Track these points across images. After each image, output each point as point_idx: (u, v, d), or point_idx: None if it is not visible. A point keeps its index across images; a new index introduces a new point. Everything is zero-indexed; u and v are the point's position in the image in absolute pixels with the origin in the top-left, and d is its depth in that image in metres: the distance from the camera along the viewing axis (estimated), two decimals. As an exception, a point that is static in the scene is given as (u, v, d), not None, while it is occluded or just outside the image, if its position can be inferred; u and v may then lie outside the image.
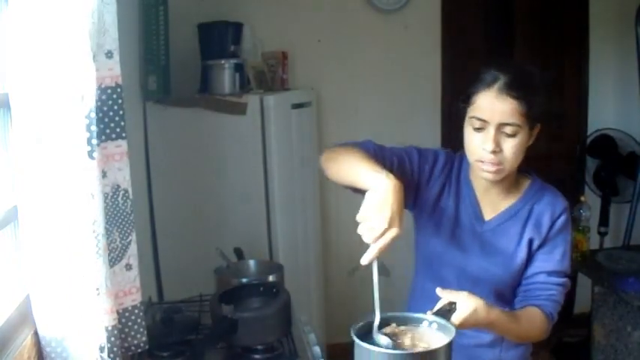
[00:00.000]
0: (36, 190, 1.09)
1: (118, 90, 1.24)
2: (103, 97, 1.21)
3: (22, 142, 1.08)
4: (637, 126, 3.40)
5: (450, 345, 1.07)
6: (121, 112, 1.26)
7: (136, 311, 1.35)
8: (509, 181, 1.39)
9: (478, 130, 1.27)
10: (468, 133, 1.30)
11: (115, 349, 1.19)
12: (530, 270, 1.38)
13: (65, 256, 1.12)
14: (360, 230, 1.17)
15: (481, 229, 1.39)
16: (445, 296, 1.20)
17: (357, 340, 1.17)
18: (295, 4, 3.17)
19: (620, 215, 3.42)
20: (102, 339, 1.16)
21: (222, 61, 2.45)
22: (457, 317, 1.16)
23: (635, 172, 3.09)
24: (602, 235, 3.28)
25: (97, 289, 1.14)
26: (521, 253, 1.36)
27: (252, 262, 2.03)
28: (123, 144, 1.28)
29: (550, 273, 1.39)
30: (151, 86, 2.37)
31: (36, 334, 1.14)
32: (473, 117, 1.28)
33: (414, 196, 1.41)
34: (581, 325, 3.37)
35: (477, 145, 1.28)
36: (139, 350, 1.37)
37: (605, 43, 3.52)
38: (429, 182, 1.41)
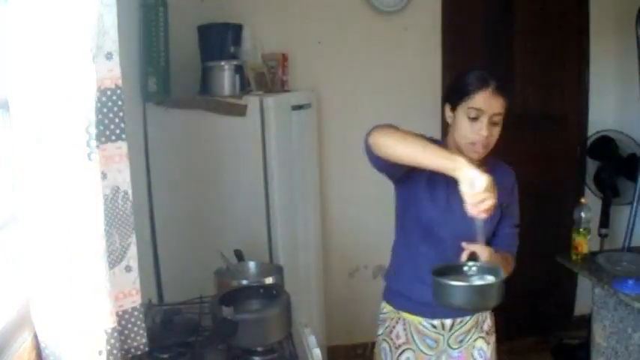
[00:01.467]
0: (35, 192, 1.09)
1: (118, 91, 1.24)
2: (103, 98, 1.21)
3: (22, 143, 1.07)
4: (637, 127, 3.40)
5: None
6: (120, 114, 1.25)
7: (136, 313, 1.34)
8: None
9: (473, 119, 1.62)
10: (462, 121, 1.64)
11: (114, 351, 1.19)
12: (502, 225, 1.77)
13: (65, 257, 1.11)
14: (480, 207, 1.38)
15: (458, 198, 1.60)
16: (469, 247, 1.55)
17: (442, 281, 1.43)
18: (295, 6, 3.18)
19: (620, 217, 3.42)
20: (102, 341, 1.16)
21: (222, 63, 2.45)
22: (487, 258, 1.53)
23: (636, 173, 3.09)
24: (602, 236, 3.28)
25: (97, 291, 1.14)
26: (497, 213, 1.69)
27: (252, 264, 2.03)
28: (123, 145, 1.27)
29: (512, 226, 1.81)
30: (150, 88, 2.37)
31: (35, 336, 1.13)
32: (471, 108, 1.61)
33: (410, 170, 1.62)
34: (582, 327, 3.37)
35: (471, 130, 1.62)
36: (139, 352, 1.37)
37: (606, 44, 3.52)
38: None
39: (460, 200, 1.41)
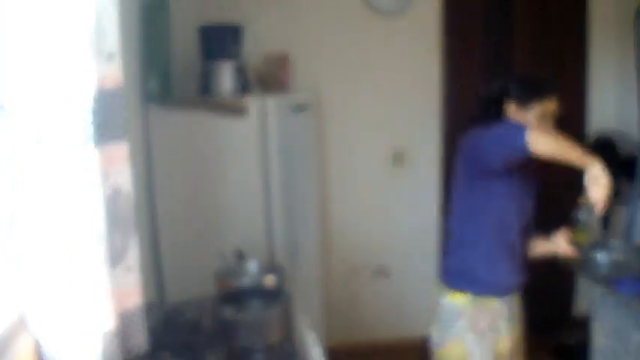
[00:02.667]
0: (35, 192, 1.10)
1: (119, 92, 1.25)
2: (104, 99, 1.22)
3: (21, 143, 1.08)
4: (637, 127, 3.40)
5: None
6: (122, 115, 1.26)
7: (137, 313, 1.35)
8: None
9: (543, 118, 1.87)
10: (533, 119, 1.87)
11: (115, 351, 1.20)
12: None
13: (66, 257, 1.12)
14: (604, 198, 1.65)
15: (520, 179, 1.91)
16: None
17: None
18: (296, 7, 3.18)
19: (620, 217, 3.42)
20: (102, 341, 1.16)
21: (223, 63, 2.45)
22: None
23: (636, 173, 3.09)
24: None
25: (97, 291, 1.14)
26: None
27: (252, 264, 2.03)
28: (124, 146, 1.28)
29: None
30: (152, 88, 2.37)
31: (35, 337, 1.14)
32: (544, 108, 1.88)
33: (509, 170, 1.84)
34: (581, 327, 3.37)
35: (539, 127, 1.78)
36: (140, 352, 1.37)
37: (605, 44, 3.53)
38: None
39: (523, 194, 1.87)
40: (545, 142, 1.72)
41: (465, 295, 1.92)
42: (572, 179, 3.62)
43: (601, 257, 2.51)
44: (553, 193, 3.63)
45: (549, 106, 1.89)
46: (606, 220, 3.28)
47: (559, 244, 2.01)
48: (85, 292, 1.14)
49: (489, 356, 1.93)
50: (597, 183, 1.64)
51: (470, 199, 1.93)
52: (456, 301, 1.93)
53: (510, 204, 1.91)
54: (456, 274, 1.97)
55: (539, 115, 1.87)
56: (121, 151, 1.28)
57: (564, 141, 1.73)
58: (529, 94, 1.89)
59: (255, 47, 2.91)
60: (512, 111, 1.90)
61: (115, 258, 1.29)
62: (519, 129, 1.70)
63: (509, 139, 1.70)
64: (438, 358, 1.99)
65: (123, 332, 1.32)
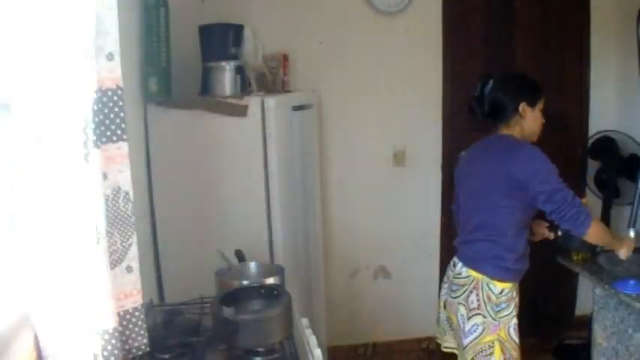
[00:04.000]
0: (36, 192, 1.09)
1: (119, 92, 1.24)
2: (104, 99, 1.21)
3: (22, 143, 1.08)
4: (638, 128, 3.40)
5: None
6: (121, 114, 1.26)
7: (137, 313, 1.35)
8: None
9: (542, 115, 2.18)
10: (538, 114, 2.19)
11: (115, 351, 1.19)
12: None
13: (66, 258, 1.12)
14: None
15: None
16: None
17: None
18: (296, 6, 3.18)
19: (621, 217, 3.42)
20: (102, 342, 1.16)
21: (223, 63, 2.44)
22: None
23: (636, 174, 3.08)
24: (603, 237, 3.28)
25: (98, 291, 1.14)
26: None
27: (253, 264, 2.03)
28: (124, 146, 1.28)
29: None
30: (151, 88, 2.36)
31: (36, 336, 1.13)
32: (542, 105, 2.18)
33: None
34: (583, 328, 3.37)
35: (542, 121, 2.20)
36: (140, 353, 1.37)
37: (606, 44, 3.52)
38: None
39: None
40: (597, 239, 2.10)
41: (510, 283, 2.12)
42: (564, 179, 3.63)
43: (602, 259, 2.51)
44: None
45: (543, 101, 2.19)
46: (608, 220, 3.28)
47: (537, 231, 2.30)
48: (84, 292, 1.13)
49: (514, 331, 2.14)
50: (620, 254, 2.17)
51: (503, 202, 2.10)
52: (505, 289, 2.10)
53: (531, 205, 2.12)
54: (501, 268, 2.12)
55: (541, 110, 2.17)
56: (120, 151, 1.27)
57: (610, 236, 2.13)
58: (537, 92, 2.18)
59: (255, 47, 2.90)
60: (524, 110, 2.15)
61: (115, 258, 1.29)
62: (586, 216, 2.00)
63: (570, 217, 1.99)
64: (481, 343, 2.11)
65: (123, 332, 1.31)
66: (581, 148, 3.54)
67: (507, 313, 2.10)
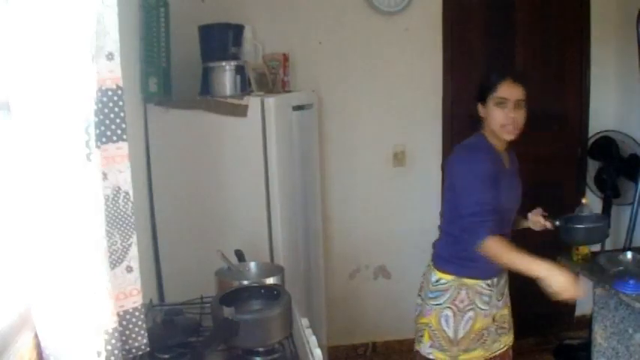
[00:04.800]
0: (36, 192, 1.09)
1: (119, 92, 1.24)
2: (104, 99, 1.21)
3: (23, 143, 1.08)
4: (638, 128, 3.40)
5: None
6: (121, 114, 1.26)
7: (137, 313, 1.35)
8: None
9: (501, 106, 2.03)
10: (493, 110, 2.05)
11: (115, 351, 1.19)
12: None
13: (66, 257, 1.12)
14: (566, 295, 1.82)
15: (511, 175, 2.16)
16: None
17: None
18: (296, 6, 3.18)
19: (621, 217, 3.42)
20: (102, 342, 1.16)
21: (223, 63, 2.44)
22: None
23: (636, 174, 3.08)
24: (603, 237, 3.28)
25: (98, 291, 1.14)
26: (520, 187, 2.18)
27: (252, 264, 2.03)
28: (124, 146, 1.28)
29: None
30: (151, 88, 2.37)
31: (36, 336, 1.13)
32: (498, 97, 2.03)
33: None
34: (583, 328, 3.37)
35: (502, 115, 2.03)
36: (140, 352, 1.37)
37: (606, 44, 3.52)
38: (494, 173, 2.04)
39: (504, 181, 2.07)
40: (494, 255, 1.94)
41: (450, 275, 2.14)
42: (564, 179, 3.64)
43: (602, 258, 2.51)
44: (549, 193, 3.64)
45: (503, 91, 2.03)
46: (608, 220, 3.28)
47: (534, 220, 2.26)
48: (84, 292, 1.13)
49: (464, 331, 2.13)
50: (553, 283, 1.81)
51: (453, 201, 2.10)
52: (442, 279, 2.15)
53: (505, 204, 2.08)
54: (443, 258, 2.19)
55: (497, 103, 2.03)
56: (120, 151, 1.27)
57: (512, 254, 1.90)
58: (482, 90, 2.09)
59: (255, 47, 2.91)
60: (480, 112, 2.12)
61: (115, 258, 1.29)
62: (482, 228, 1.93)
63: (473, 227, 1.96)
64: (418, 323, 2.26)
65: (123, 332, 1.31)
66: (581, 148, 3.54)
67: (437, 303, 2.15)
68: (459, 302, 2.13)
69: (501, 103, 2.03)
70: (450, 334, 2.14)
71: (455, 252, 2.14)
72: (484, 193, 1.97)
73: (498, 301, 2.20)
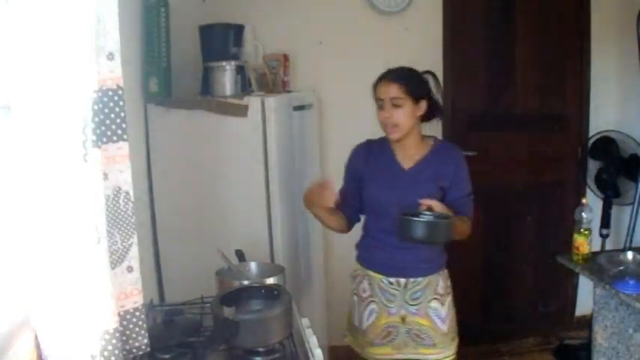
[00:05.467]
0: (37, 192, 1.09)
1: (120, 92, 1.24)
2: (105, 99, 1.21)
3: (23, 143, 1.08)
4: (638, 128, 3.40)
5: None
6: (122, 114, 1.26)
7: (138, 313, 1.35)
8: (414, 141, 2.15)
9: (380, 107, 2.08)
10: (377, 111, 2.10)
11: (116, 351, 1.19)
12: (454, 195, 2.10)
13: (66, 258, 1.12)
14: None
15: (403, 175, 2.13)
16: (425, 202, 1.96)
17: (405, 217, 1.91)
18: (297, 6, 3.18)
19: (621, 217, 3.42)
20: (103, 342, 1.16)
21: (224, 63, 2.44)
22: (440, 209, 1.96)
23: (637, 174, 3.09)
24: (603, 237, 3.28)
25: (98, 291, 1.14)
26: (434, 190, 2.05)
27: (253, 264, 2.03)
28: (124, 146, 1.28)
29: (464, 195, 2.14)
30: (152, 88, 2.37)
31: (36, 337, 1.13)
32: (377, 99, 2.08)
33: (363, 182, 2.17)
34: (583, 328, 3.37)
35: (380, 116, 2.09)
36: (141, 352, 1.37)
37: (607, 44, 3.52)
38: (361, 168, 2.19)
39: (397, 179, 2.11)
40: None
41: (358, 264, 2.26)
42: (564, 179, 3.64)
43: (603, 258, 2.51)
44: (550, 193, 3.64)
45: (379, 92, 2.08)
46: (608, 220, 3.28)
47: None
48: (85, 292, 1.13)
49: (368, 322, 2.18)
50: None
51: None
52: (356, 266, 2.27)
53: (382, 199, 2.12)
54: (357, 246, 2.30)
55: (377, 105, 2.10)
56: (121, 151, 1.27)
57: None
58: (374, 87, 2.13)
59: (256, 47, 2.90)
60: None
61: (116, 258, 1.29)
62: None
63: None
64: None
65: (123, 332, 1.31)
66: (582, 148, 3.54)
67: (352, 287, 2.26)
68: (362, 292, 2.20)
69: (380, 105, 2.08)
70: (356, 321, 2.21)
71: (359, 240, 2.28)
72: (344, 183, 2.22)
73: (410, 305, 2.13)
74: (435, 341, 2.15)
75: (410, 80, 2.06)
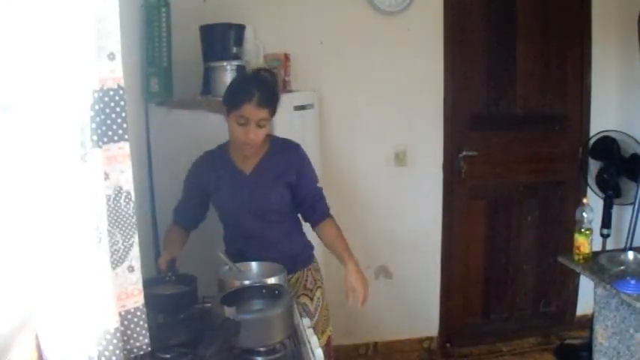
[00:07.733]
0: (37, 192, 1.09)
1: (121, 92, 1.24)
2: (106, 98, 1.21)
3: (24, 143, 1.08)
4: (639, 128, 3.40)
5: None
6: (123, 114, 1.26)
7: (139, 313, 1.35)
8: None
9: (241, 125, 1.95)
10: (234, 126, 1.97)
11: (117, 351, 1.19)
12: (306, 189, 2.13)
13: (67, 258, 1.12)
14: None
15: (245, 180, 2.08)
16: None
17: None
18: (297, 6, 3.17)
19: (622, 217, 3.42)
20: (103, 341, 1.16)
21: (225, 63, 2.45)
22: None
23: (638, 173, 3.08)
24: (604, 237, 3.28)
25: (99, 291, 1.14)
26: (280, 188, 2.07)
27: (254, 264, 2.03)
28: (125, 146, 1.28)
29: (315, 187, 2.17)
30: (153, 88, 2.37)
31: (37, 337, 1.14)
32: (240, 116, 1.94)
33: (208, 194, 2.14)
34: (584, 327, 3.37)
35: (242, 133, 1.96)
36: (142, 352, 1.37)
37: (608, 44, 3.52)
38: (204, 181, 2.12)
39: (241, 186, 2.07)
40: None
41: None
42: (565, 179, 3.64)
43: (603, 258, 2.51)
44: (550, 193, 3.64)
45: (246, 112, 1.94)
46: (609, 219, 3.28)
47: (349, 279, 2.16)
48: (86, 292, 1.13)
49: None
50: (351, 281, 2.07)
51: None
52: None
53: (230, 208, 2.12)
54: None
55: (239, 122, 1.96)
56: (122, 151, 1.27)
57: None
58: (226, 102, 2.01)
59: (257, 47, 2.90)
60: (226, 118, 2.03)
61: (117, 258, 1.29)
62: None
63: None
64: None
65: (124, 332, 1.31)
66: (583, 148, 3.54)
67: None
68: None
69: (244, 123, 1.95)
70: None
71: (224, 252, 2.21)
72: (182, 197, 2.18)
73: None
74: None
75: (276, 102, 2.01)
